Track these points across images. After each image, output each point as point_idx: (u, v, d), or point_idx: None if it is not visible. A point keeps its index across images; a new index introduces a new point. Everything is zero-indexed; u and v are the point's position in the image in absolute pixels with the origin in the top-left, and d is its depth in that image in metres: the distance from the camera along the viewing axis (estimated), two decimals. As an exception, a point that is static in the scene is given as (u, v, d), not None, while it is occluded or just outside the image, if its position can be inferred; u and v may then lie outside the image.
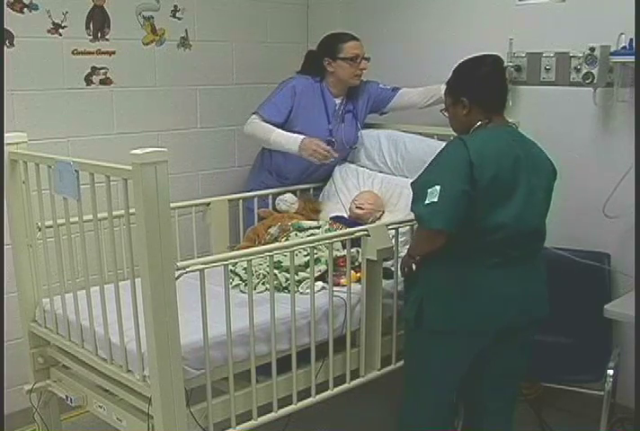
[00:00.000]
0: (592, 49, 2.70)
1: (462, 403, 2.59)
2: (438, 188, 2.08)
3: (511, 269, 2.23)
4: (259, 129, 3.12)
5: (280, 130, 3.10)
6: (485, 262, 2.19)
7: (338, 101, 3.26)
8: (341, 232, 2.58)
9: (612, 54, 2.71)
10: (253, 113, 3.15)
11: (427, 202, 2.09)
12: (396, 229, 2.63)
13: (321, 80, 3.23)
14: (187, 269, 2.06)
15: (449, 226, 2.09)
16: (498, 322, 2.24)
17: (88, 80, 3.08)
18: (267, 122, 3.11)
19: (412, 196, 2.23)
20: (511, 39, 3.07)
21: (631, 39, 2.65)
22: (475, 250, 2.19)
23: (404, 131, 3.26)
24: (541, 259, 2.36)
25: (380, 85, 3.33)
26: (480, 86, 2.27)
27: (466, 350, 2.29)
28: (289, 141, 3.07)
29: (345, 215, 3.08)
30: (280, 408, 2.40)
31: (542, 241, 2.34)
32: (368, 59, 3.20)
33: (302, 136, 3.06)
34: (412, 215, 2.30)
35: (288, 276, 2.52)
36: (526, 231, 2.21)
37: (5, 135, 2.45)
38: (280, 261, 2.63)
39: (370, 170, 3.30)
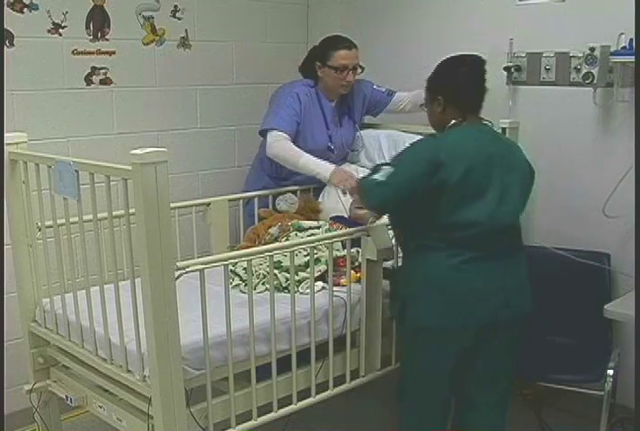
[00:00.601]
0: (592, 49, 2.70)
1: (455, 400, 2.58)
2: (391, 170, 2.22)
3: (489, 264, 2.25)
4: (287, 152, 3.02)
5: (308, 155, 3.01)
6: (461, 257, 2.22)
7: (333, 104, 3.24)
8: (341, 232, 2.59)
9: (612, 54, 2.71)
10: (269, 130, 3.04)
11: (375, 177, 2.24)
12: (396, 229, 2.63)
13: (315, 83, 3.21)
14: (187, 269, 2.06)
15: (382, 206, 2.31)
16: (477, 319, 2.25)
17: (88, 80, 3.08)
18: (288, 135, 3.03)
19: None
20: (511, 39, 3.07)
21: (631, 39, 2.65)
22: (451, 245, 2.22)
23: (403, 131, 3.26)
24: (522, 254, 2.38)
25: (374, 86, 3.30)
26: (456, 87, 2.33)
27: (449, 347, 2.31)
28: (321, 167, 2.97)
29: (345, 216, 3.08)
30: (279, 408, 2.40)
31: (518, 238, 2.36)
32: (362, 69, 3.15)
33: (334, 165, 3.01)
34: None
35: (288, 276, 2.52)
36: (499, 227, 2.24)
37: (5, 135, 2.45)
38: (280, 261, 2.63)
39: (370, 170, 3.30)
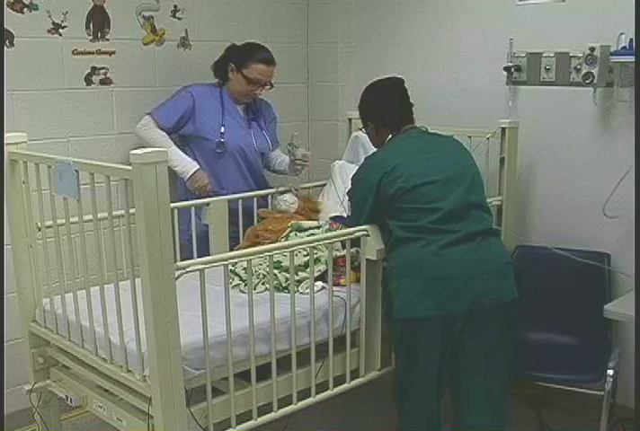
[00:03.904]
0: (592, 49, 2.70)
1: (452, 399, 2.58)
2: (351, 203, 2.63)
3: (467, 247, 2.30)
4: (154, 139, 3.04)
5: (175, 148, 3.07)
6: (439, 242, 2.29)
7: (240, 107, 3.25)
8: (341, 232, 2.58)
9: (612, 54, 2.71)
10: (147, 114, 3.10)
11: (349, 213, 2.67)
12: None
13: (222, 85, 3.22)
14: (187, 269, 2.06)
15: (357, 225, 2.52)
16: (460, 305, 2.27)
17: (88, 80, 3.08)
18: (160, 125, 3.07)
19: None
20: (511, 39, 3.08)
21: (631, 39, 2.65)
22: (422, 232, 2.31)
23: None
24: (498, 240, 2.45)
25: (275, 129, 3.36)
26: (380, 112, 2.60)
27: (435, 337, 2.32)
28: (186, 164, 3.06)
29: (345, 215, 3.08)
30: (279, 408, 2.40)
31: (487, 222, 2.42)
32: (271, 86, 3.18)
33: (197, 166, 3.07)
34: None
35: (287, 276, 2.52)
36: (458, 209, 2.34)
37: (5, 135, 2.45)
38: (279, 261, 2.63)
39: (370, 170, 3.30)
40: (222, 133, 3.15)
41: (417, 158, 2.43)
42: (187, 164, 3.09)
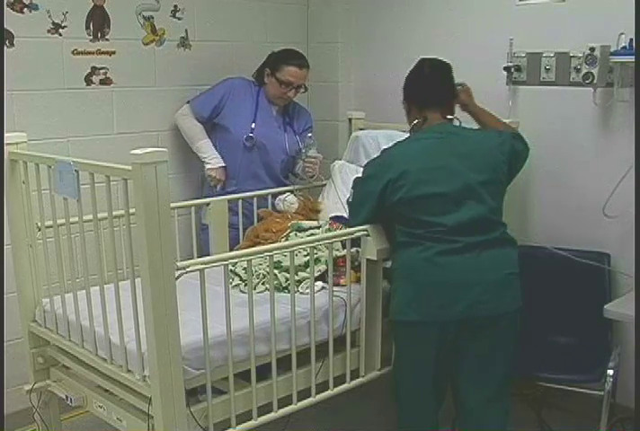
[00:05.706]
0: (592, 49, 2.70)
1: (454, 403, 2.58)
2: (351, 200, 2.56)
3: (465, 257, 2.28)
4: (190, 130, 3.24)
5: (207, 141, 3.24)
6: (435, 249, 2.28)
7: (274, 108, 3.33)
8: (341, 232, 2.58)
9: (612, 54, 2.71)
10: (187, 102, 3.28)
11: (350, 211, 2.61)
12: (396, 229, 2.63)
13: (261, 85, 3.31)
14: (187, 269, 2.05)
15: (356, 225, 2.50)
16: (452, 313, 2.27)
17: (88, 80, 3.08)
18: (196, 114, 3.24)
19: None
20: (511, 39, 3.08)
21: (631, 39, 2.65)
22: (422, 239, 2.30)
23: (403, 131, 3.25)
24: (509, 249, 2.38)
25: (308, 134, 3.36)
26: (412, 88, 2.55)
27: (427, 341, 2.32)
28: (213, 158, 3.23)
29: (345, 215, 3.07)
30: (280, 408, 2.40)
31: (496, 231, 2.36)
32: (306, 89, 3.30)
33: (222, 163, 3.23)
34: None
35: (288, 276, 2.53)
36: (463, 224, 2.29)
37: (5, 135, 2.45)
38: (279, 261, 2.63)
39: (370, 170, 3.30)
40: (252, 128, 3.23)
41: (428, 166, 2.34)
42: (214, 158, 3.23)
